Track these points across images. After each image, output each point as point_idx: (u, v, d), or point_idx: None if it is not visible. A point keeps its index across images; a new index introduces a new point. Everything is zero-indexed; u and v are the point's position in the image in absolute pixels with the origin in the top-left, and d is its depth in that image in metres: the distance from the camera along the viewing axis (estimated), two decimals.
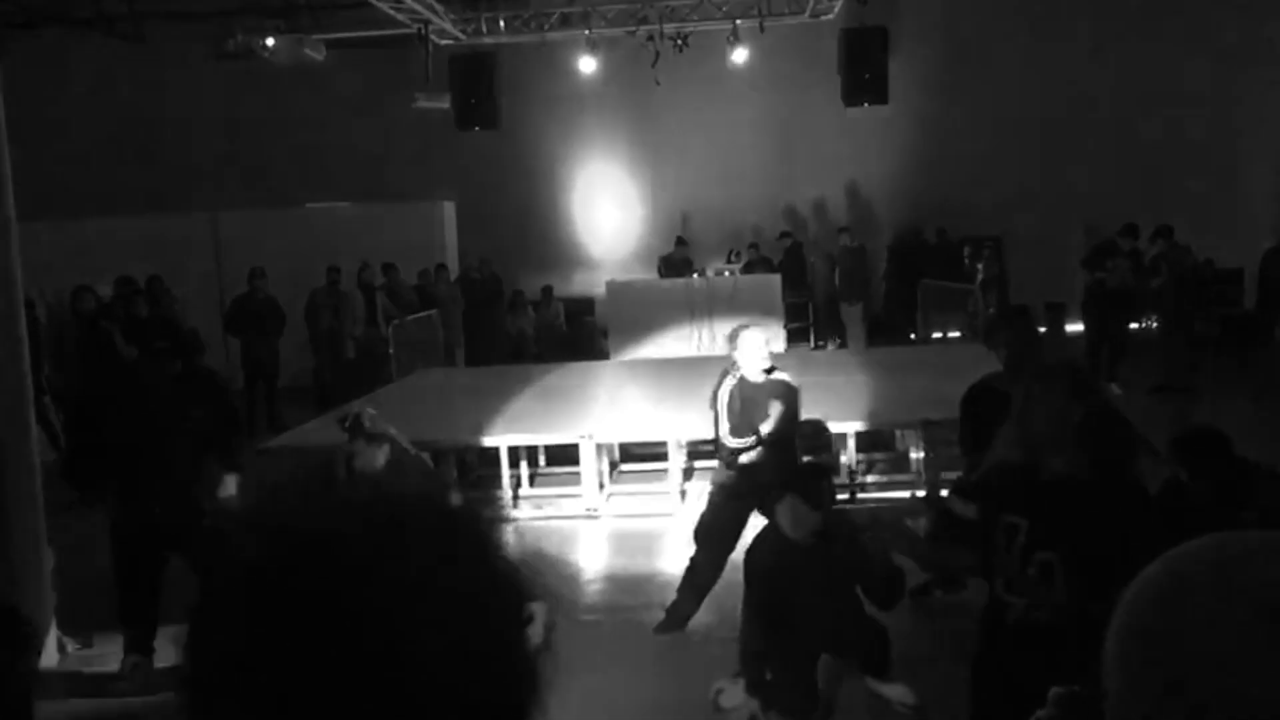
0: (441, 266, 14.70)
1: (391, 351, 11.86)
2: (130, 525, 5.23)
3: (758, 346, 5.71)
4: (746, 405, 5.67)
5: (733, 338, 5.84)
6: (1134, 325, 12.76)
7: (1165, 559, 0.89)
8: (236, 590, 0.82)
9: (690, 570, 5.75)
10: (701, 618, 5.80)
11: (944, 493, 6.06)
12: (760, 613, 4.48)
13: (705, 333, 13.51)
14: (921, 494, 7.72)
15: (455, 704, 0.80)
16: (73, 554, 6.02)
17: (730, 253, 16.04)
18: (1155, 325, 12.98)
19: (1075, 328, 16.39)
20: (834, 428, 7.12)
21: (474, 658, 0.81)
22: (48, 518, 5.69)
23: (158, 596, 5.33)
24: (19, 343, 5.51)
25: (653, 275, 15.65)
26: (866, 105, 15.07)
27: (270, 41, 13.78)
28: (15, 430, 5.48)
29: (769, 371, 5.71)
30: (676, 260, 15.39)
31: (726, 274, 14.60)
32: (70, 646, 5.70)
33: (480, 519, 0.90)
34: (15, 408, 5.48)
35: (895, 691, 4.66)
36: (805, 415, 6.03)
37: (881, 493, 8.22)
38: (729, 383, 5.81)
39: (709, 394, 5.96)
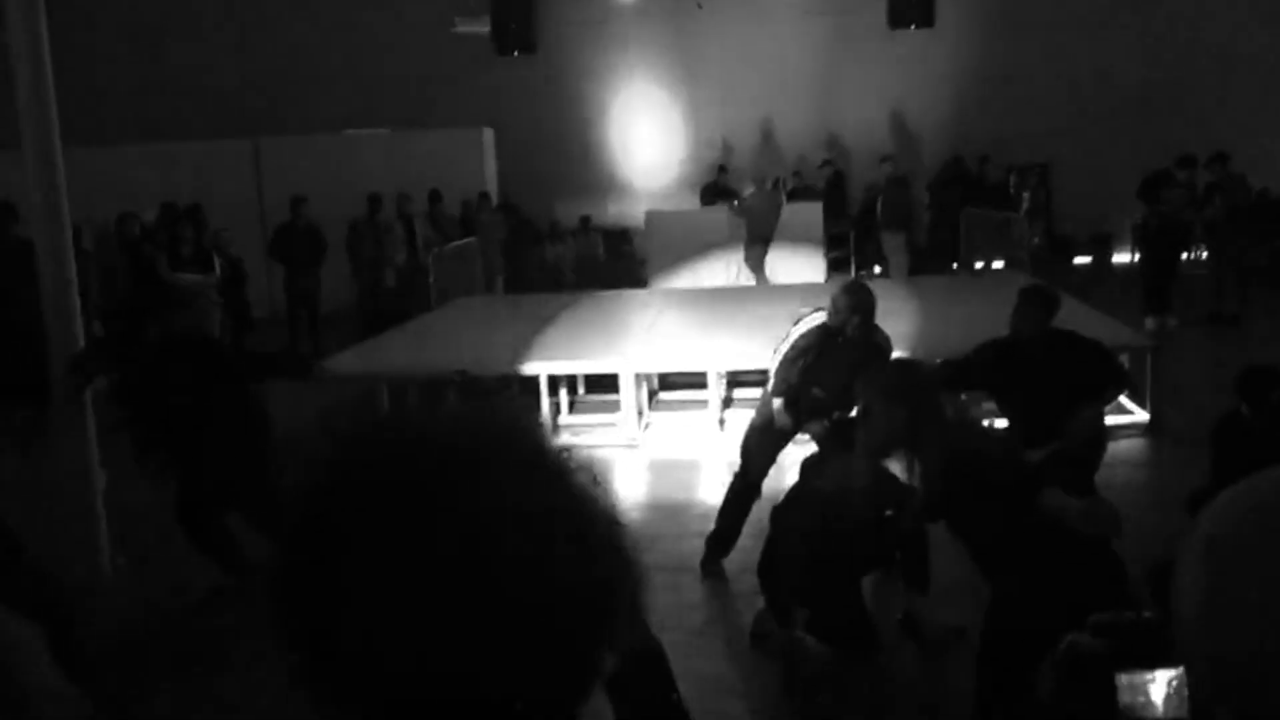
0: (484, 195, 14.66)
1: (432, 280, 11.90)
2: (183, 495, 5.33)
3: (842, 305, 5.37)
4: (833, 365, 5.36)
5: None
6: (1185, 256, 12.53)
7: (1244, 485, 0.88)
8: (330, 483, 0.84)
9: (731, 489, 5.72)
10: (743, 545, 5.84)
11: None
12: (808, 541, 4.51)
13: (744, 268, 13.43)
14: None
15: (535, 606, 0.80)
16: (123, 476, 6.15)
17: (775, 180, 15.85)
18: (1205, 256, 12.73)
19: (1121, 258, 16.15)
20: None
21: (557, 575, 0.82)
22: (97, 440, 5.80)
23: (229, 532, 5.44)
24: (68, 268, 5.58)
25: (692, 204, 15.51)
26: (913, 28, 14.73)
27: None
28: (66, 354, 5.58)
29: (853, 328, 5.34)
30: (719, 188, 15.25)
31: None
32: (121, 561, 5.84)
33: (569, 453, 0.90)
34: (65, 332, 5.57)
35: (936, 616, 4.69)
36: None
37: None
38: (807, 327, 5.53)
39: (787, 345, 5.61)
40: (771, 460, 5.64)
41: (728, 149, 17.01)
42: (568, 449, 0.90)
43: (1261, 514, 0.85)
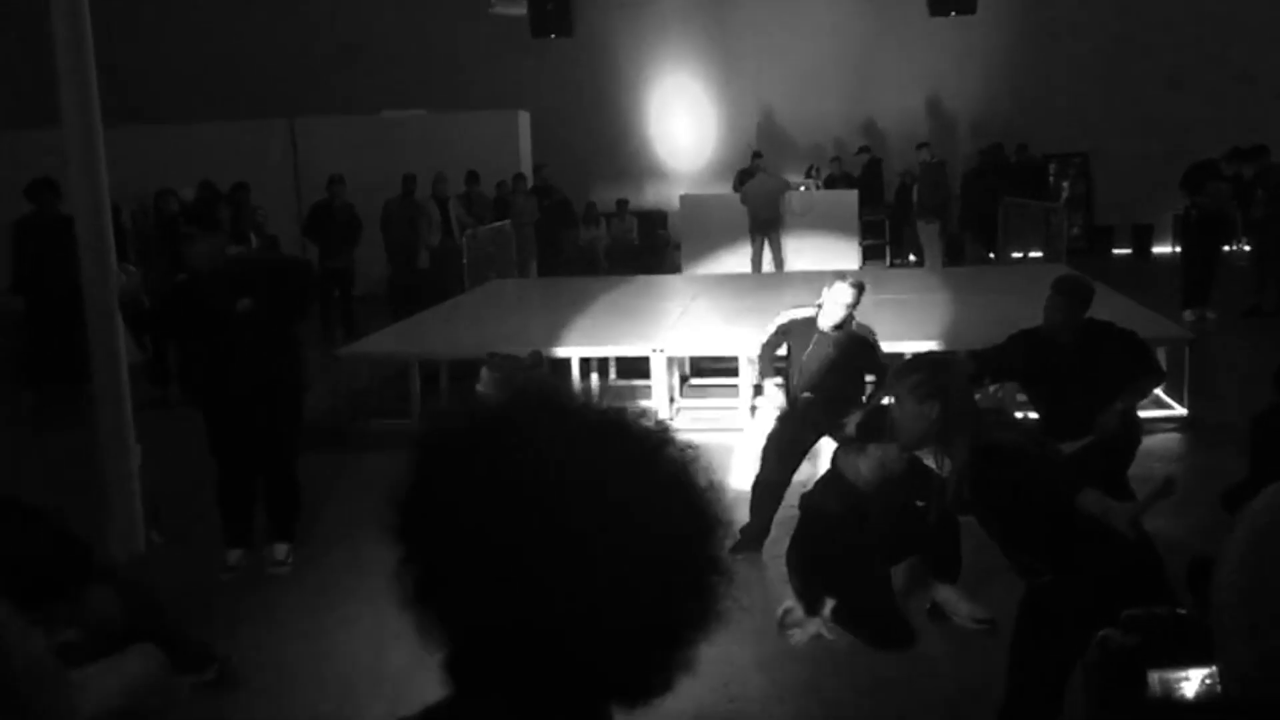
0: (519, 177, 14.67)
1: (465, 261, 11.93)
2: (217, 415, 5.38)
3: (844, 301, 5.38)
4: (812, 352, 5.47)
5: (830, 284, 5.51)
6: (1227, 248, 12.35)
7: None
8: (445, 452, 0.95)
9: (756, 488, 5.72)
10: (773, 536, 5.83)
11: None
12: (837, 530, 4.51)
13: (768, 255, 13.42)
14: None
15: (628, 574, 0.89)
16: (159, 452, 6.22)
17: (810, 168, 15.78)
18: (1248, 249, 12.54)
19: (1162, 250, 15.94)
20: (904, 347, 7.01)
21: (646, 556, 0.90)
22: (134, 416, 5.87)
23: (253, 490, 5.51)
24: (107, 245, 5.63)
25: (727, 189, 15.47)
26: (953, 14, 14.57)
27: None
28: (104, 330, 5.64)
29: (839, 327, 5.43)
30: (754, 174, 15.18)
31: (803, 189, 14.38)
32: (156, 537, 5.92)
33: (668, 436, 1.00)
34: (103, 309, 5.63)
35: (965, 606, 4.66)
36: (881, 334, 5.91)
37: None
38: (797, 315, 5.62)
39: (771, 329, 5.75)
40: (791, 463, 5.63)
41: (762, 133, 16.92)
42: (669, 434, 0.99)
43: None
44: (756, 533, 5.58)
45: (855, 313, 5.46)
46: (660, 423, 0.99)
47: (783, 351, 5.77)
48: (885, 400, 5.48)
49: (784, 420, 5.67)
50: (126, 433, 5.72)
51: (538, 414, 0.96)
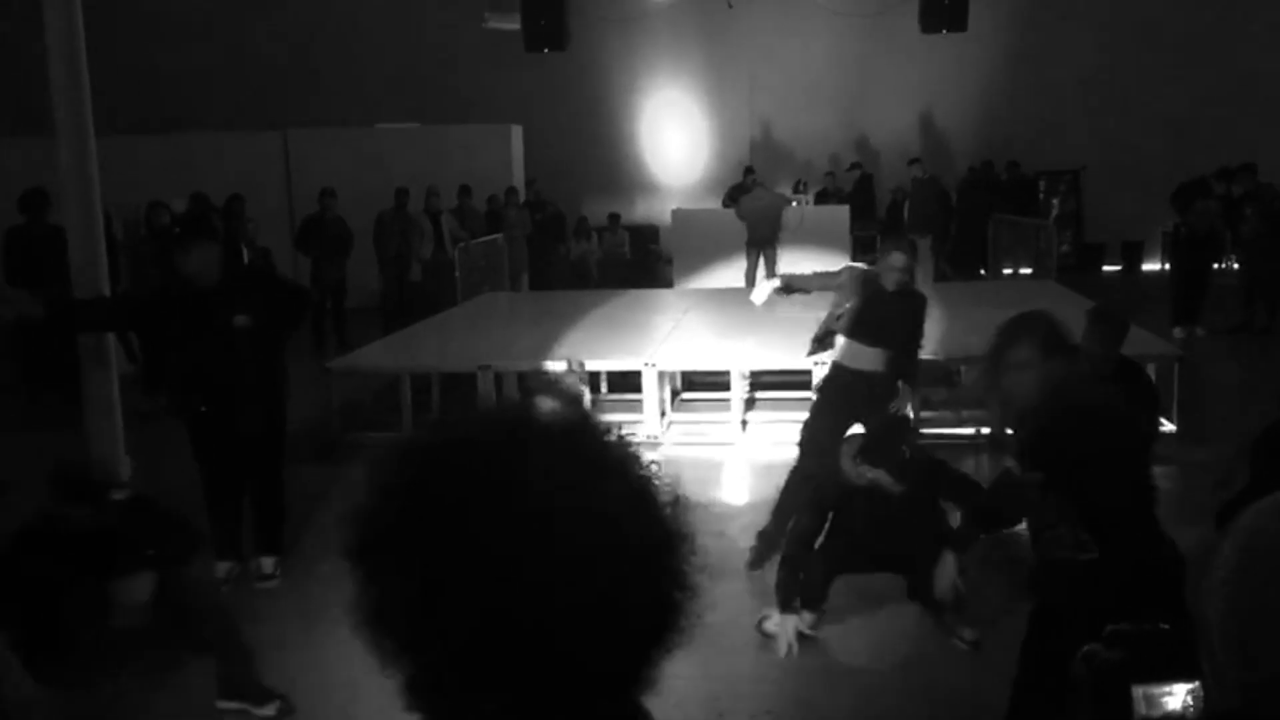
0: (511, 190, 14.69)
1: (457, 274, 11.94)
2: (204, 427, 5.35)
3: (897, 266, 5.66)
4: (874, 309, 5.67)
5: (884, 253, 5.86)
6: (1216, 266, 12.41)
7: (1275, 499, 0.86)
8: (394, 481, 0.93)
9: (786, 492, 5.68)
10: (749, 550, 5.83)
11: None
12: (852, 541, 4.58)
13: (762, 270, 13.43)
14: (985, 430, 7.67)
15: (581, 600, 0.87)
16: (149, 463, 6.21)
17: (797, 183, 15.82)
18: (1236, 266, 12.60)
19: (1151, 267, 16.01)
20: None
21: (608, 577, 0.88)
22: (125, 427, 5.85)
23: (241, 501, 5.49)
24: (98, 257, 5.63)
25: (719, 204, 15.49)
26: (945, 33, 14.63)
27: None
28: (94, 342, 5.63)
29: (897, 290, 5.67)
30: (746, 189, 15.21)
31: (794, 204, 14.41)
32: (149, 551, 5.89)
33: (625, 446, 0.98)
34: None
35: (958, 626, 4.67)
36: (871, 358, 5.90)
37: (940, 428, 8.14)
38: (859, 270, 5.93)
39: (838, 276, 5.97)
40: (828, 452, 5.42)
41: (754, 148, 16.98)
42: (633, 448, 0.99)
43: None
44: (776, 540, 5.41)
45: (910, 278, 5.76)
46: (621, 436, 0.98)
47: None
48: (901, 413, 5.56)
49: (827, 393, 5.80)
50: (116, 443, 5.71)
51: (498, 430, 0.95)
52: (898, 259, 5.64)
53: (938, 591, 4.09)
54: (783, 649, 4.67)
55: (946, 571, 3.96)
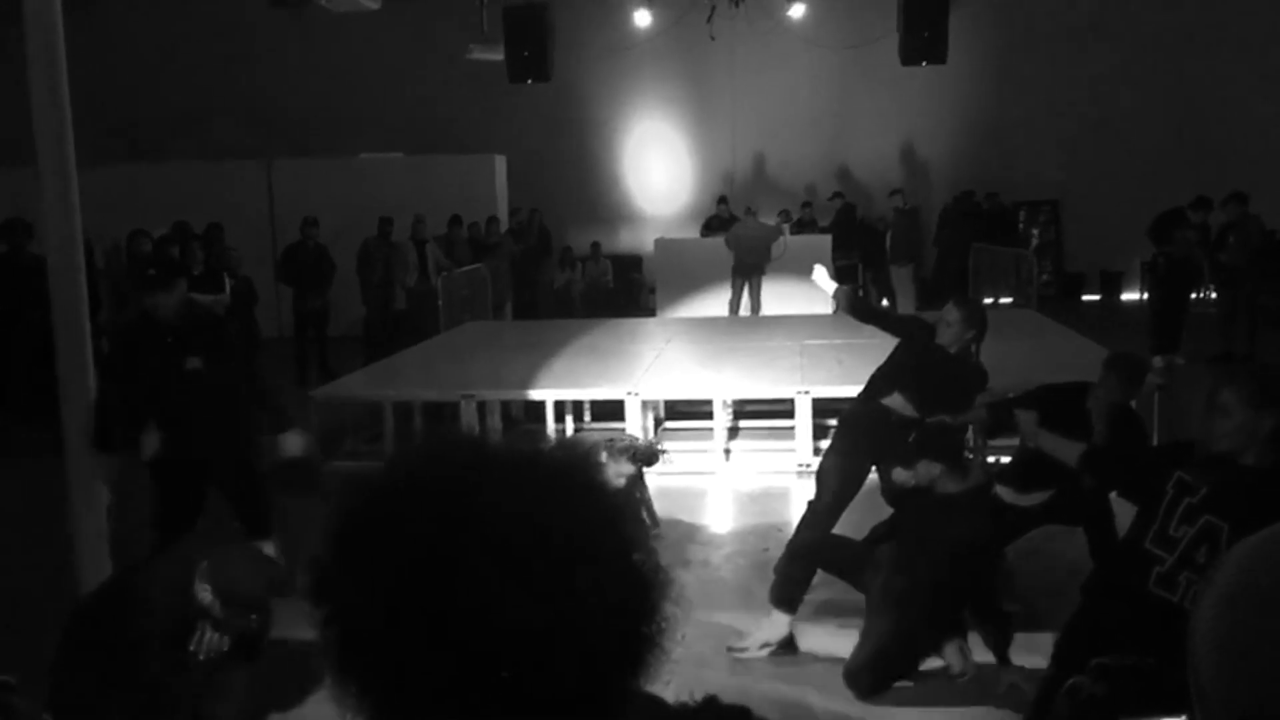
0: (493, 219, 14.73)
1: (441, 303, 11.93)
2: (163, 463, 5.33)
3: (949, 319, 5.10)
4: (923, 362, 5.12)
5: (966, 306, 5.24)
6: (1195, 296, 12.49)
7: (1266, 534, 0.86)
8: (351, 529, 0.91)
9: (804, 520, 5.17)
10: (735, 578, 5.82)
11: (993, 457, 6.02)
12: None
13: (746, 299, 13.49)
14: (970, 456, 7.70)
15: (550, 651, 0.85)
16: (128, 493, 6.15)
17: (782, 213, 15.90)
18: (1215, 296, 12.70)
19: (1131, 296, 16.13)
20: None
21: (574, 625, 0.86)
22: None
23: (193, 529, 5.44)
24: (80, 285, 5.59)
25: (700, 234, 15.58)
26: (925, 64, 14.79)
27: None
28: (74, 371, 5.59)
29: (952, 348, 5.09)
30: (722, 219, 15.31)
31: (782, 235, 14.42)
32: None
33: (611, 500, 0.95)
34: (75, 349, 5.58)
35: (948, 655, 4.65)
36: (851, 377, 5.94)
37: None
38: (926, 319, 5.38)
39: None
40: (848, 490, 5.06)
41: (729, 179, 17.10)
42: (614, 490, 0.97)
43: None
44: (789, 592, 4.90)
45: (973, 339, 5.10)
46: (588, 458, 0.96)
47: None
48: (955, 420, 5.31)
49: (843, 435, 5.24)
50: (95, 474, 5.65)
51: (465, 462, 0.93)
52: (950, 313, 5.10)
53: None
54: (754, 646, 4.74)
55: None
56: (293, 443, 5.52)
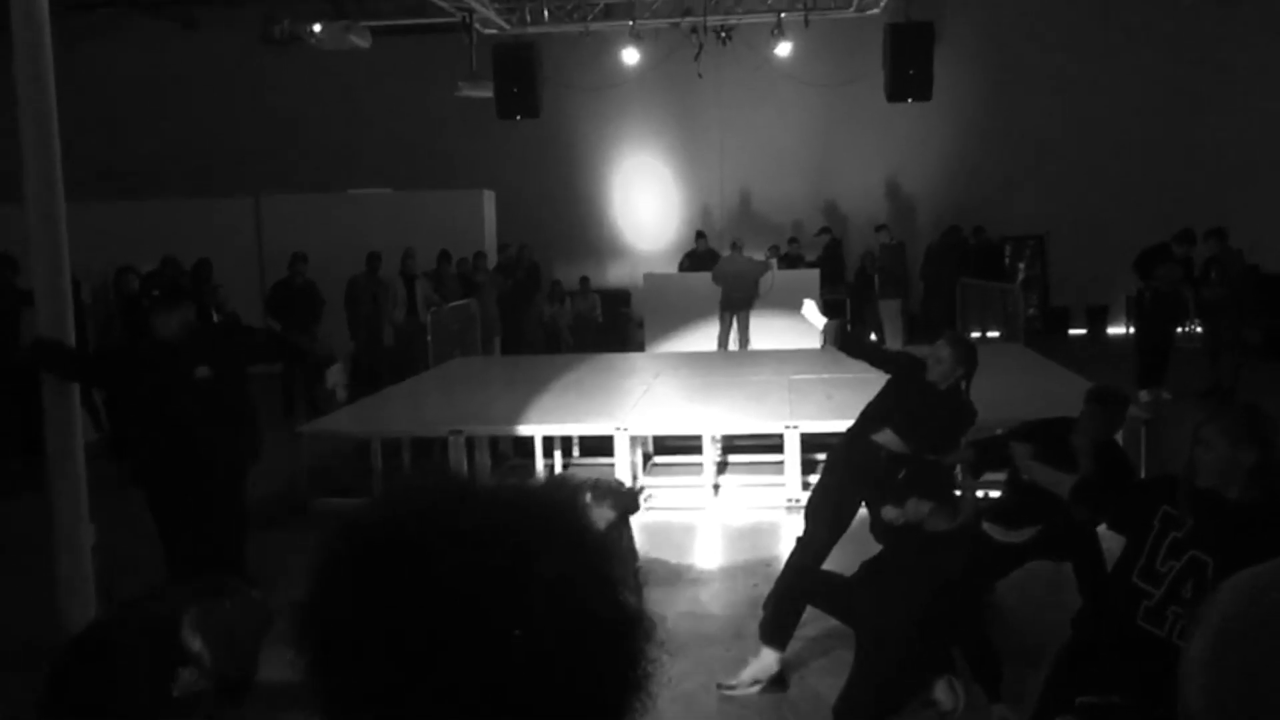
0: (481, 254, 14.76)
1: (429, 339, 11.93)
2: (160, 488, 5.32)
3: (939, 356, 5.11)
4: (912, 399, 5.10)
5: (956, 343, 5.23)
6: (1180, 330, 12.57)
7: (1253, 573, 0.86)
8: (340, 569, 0.90)
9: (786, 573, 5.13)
10: (725, 614, 5.79)
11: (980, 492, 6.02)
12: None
13: (735, 334, 13.53)
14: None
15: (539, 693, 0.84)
16: (114, 530, 6.11)
17: (770, 249, 15.98)
18: (1199, 330, 12.78)
19: (1117, 331, 16.22)
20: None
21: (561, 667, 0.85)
22: (90, 496, 5.76)
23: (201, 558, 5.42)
24: (66, 322, 5.58)
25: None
26: (910, 101, 14.93)
27: (317, 28, 13.88)
28: (60, 409, 5.56)
29: (942, 385, 5.08)
30: (700, 254, 15.36)
31: (770, 270, 14.48)
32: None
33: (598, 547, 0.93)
34: (61, 386, 5.56)
35: (938, 691, 4.64)
36: (840, 412, 5.96)
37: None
38: (917, 354, 5.34)
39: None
40: (838, 527, 5.08)
41: (707, 214, 17.22)
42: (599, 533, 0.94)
43: (1273, 602, 0.83)
44: (777, 630, 4.87)
45: (963, 376, 5.08)
46: (574, 497, 0.95)
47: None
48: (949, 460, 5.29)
49: (833, 471, 5.23)
50: (80, 510, 5.61)
51: (450, 501, 0.91)
52: (941, 350, 5.09)
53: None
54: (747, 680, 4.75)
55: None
56: (334, 375, 5.57)
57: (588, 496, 4.74)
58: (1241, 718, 0.79)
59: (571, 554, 0.89)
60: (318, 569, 0.91)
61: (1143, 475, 7.60)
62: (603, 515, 4.75)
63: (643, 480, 8.53)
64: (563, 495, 0.96)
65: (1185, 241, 11.43)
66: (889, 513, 4.51)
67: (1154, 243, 11.48)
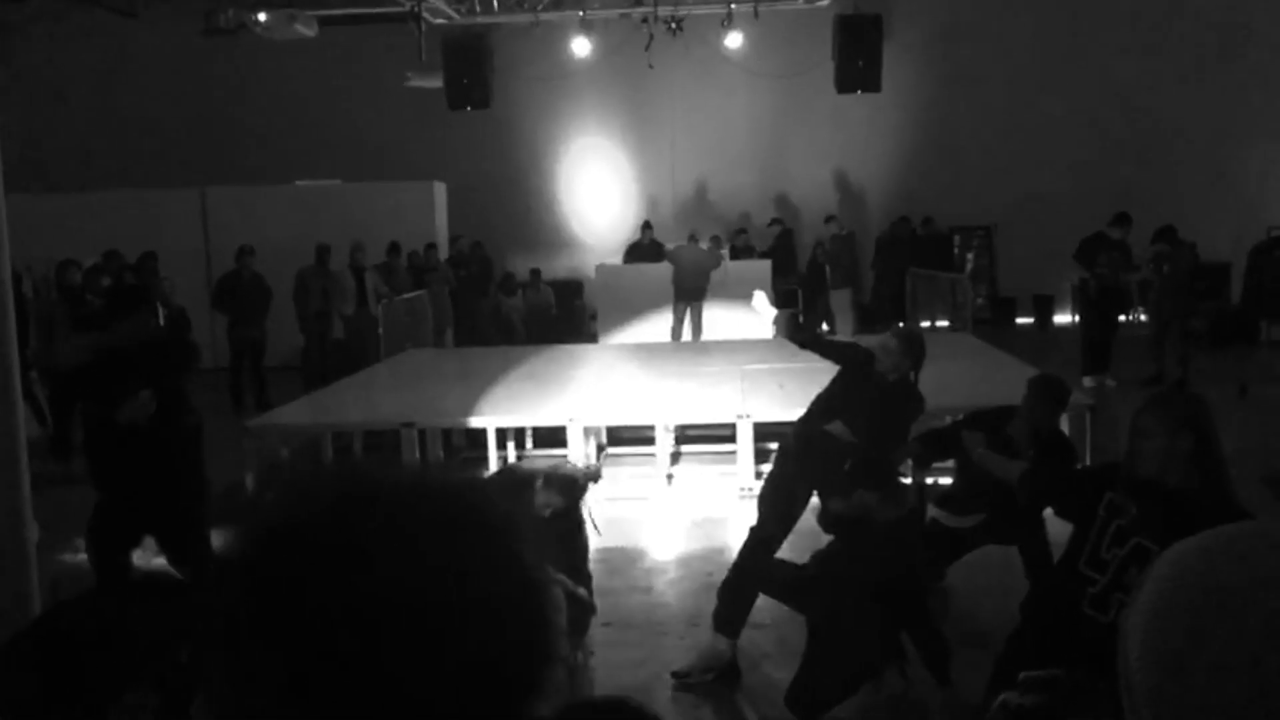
0: (431, 246, 14.67)
1: (380, 331, 11.83)
2: (104, 506, 5.23)
3: (889, 348, 5.08)
4: (862, 394, 5.07)
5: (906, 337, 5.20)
6: (1123, 318, 12.79)
7: (1191, 544, 0.88)
8: (235, 578, 0.87)
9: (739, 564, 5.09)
10: (679, 604, 5.82)
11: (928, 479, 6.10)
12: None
13: (688, 324, 13.56)
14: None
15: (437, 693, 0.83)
16: (59, 529, 6.02)
17: (713, 238, 16.04)
18: (1145, 319, 13.01)
19: (1063, 319, 16.48)
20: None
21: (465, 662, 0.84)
22: (34, 493, 5.66)
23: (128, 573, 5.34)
24: (6, 316, 5.47)
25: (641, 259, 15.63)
26: (860, 93, 15.04)
27: (262, 16, 13.69)
28: (2, 404, 5.46)
29: (890, 378, 5.08)
30: (644, 245, 15.37)
31: (724, 260, 14.50)
32: None
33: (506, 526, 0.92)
34: (2, 381, 5.45)
35: (888, 676, 4.69)
36: (792, 401, 6.00)
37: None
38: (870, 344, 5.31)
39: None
40: (790, 516, 5.09)
41: (655, 205, 17.23)
42: (512, 517, 0.92)
43: (1211, 573, 0.84)
44: (730, 617, 4.93)
45: (912, 366, 5.10)
46: (493, 508, 0.93)
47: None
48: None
49: (784, 461, 5.24)
50: (23, 510, 5.51)
51: (337, 497, 0.89)
52: (890, 342, 5.11)
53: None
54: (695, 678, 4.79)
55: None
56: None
57: (538, 484, 4.74)
58: (1178, 682, 0.81)
59: (465, 537, 0.89)
60: (214, 575, 0.89)
61: (1088, 463, 7.74)
62: (550, 503, 4.75)
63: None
64: (463, 479, 0.95)
65: (1120, 224, 11.57)
66: (836, 507, 4.55)
67: (1091, 232, 11.65)
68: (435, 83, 14.72)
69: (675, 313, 13.63)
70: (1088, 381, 10.94)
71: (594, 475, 5.15)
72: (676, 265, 13.66)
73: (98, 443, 5.29)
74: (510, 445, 9.02)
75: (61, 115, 16.58)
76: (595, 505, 5.37)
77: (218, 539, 5.64)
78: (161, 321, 10.52)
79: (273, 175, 15.95)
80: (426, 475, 0.94)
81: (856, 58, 14.60)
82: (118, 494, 5.22)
